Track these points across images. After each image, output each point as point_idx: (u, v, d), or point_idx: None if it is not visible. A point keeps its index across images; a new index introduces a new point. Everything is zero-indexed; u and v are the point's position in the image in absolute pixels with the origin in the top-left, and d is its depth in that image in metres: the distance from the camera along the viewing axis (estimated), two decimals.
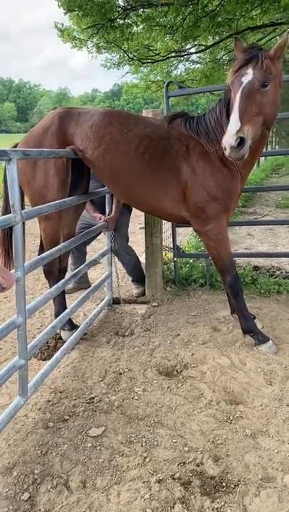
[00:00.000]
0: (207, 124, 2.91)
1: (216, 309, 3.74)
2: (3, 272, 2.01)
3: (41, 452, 2.14)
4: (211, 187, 2.92)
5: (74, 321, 3.48)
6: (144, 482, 1.93)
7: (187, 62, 15.01)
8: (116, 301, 4.06)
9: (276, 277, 4.25)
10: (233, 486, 1.89)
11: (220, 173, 2.92)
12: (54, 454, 2.12)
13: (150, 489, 1.88)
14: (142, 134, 3.00)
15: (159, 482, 1.92)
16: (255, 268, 4.53)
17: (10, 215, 2.20)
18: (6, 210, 3.11)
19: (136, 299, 4.09)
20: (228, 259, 3.05)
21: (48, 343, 3.27)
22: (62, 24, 10.69)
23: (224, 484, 1.91)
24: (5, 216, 2.25)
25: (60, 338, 3.34)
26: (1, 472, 2.03)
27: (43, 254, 2.72)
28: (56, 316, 3.32)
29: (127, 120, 3.07)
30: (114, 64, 13.55)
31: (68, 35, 10.37)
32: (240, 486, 1.89)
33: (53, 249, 2.88)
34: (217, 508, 1.78)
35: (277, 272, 4.44)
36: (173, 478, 1.94)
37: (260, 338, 3.01)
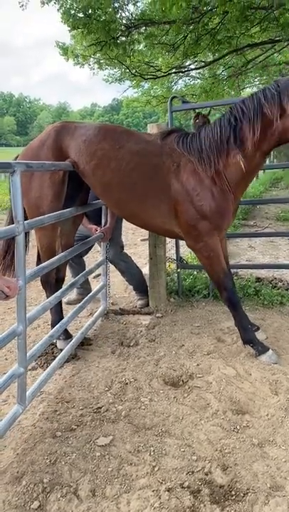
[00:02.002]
0: (202, 142, 2.91)
1: (219, 320, 3.77)
2: (7, 281, 2.06)
3: (50, 461, 2.14)
4: (200, 206, 2.91)
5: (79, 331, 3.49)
6: (153, 491, 1.93)
7: (187, 78, 15.32)
8: (118, 312, 4.08)
9: (278, 289, 4.29)
10: (242, 495, 1.90)
11: (210, 193, 2.90)
12: (63, 463, 2.13)
13: (160, 498, 1.89)
14: (134, 150, 3.00)
15: (168, 491, 1.92)
16: (258, 279, 4.56)
17: (13, 225, 2.23)
18: (11, 221, 3.17)
19: (140, 310, 4.12)
20: (223, 273, 3.05)
21: (50, 351, 3.30)
22: (64, 43, 10.91)
23: (233, 493, 1.92)
24: (8, 227, 2.28)
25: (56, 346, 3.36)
26: (10, 481, 2.04)
27: (44, 264, 2.77)
28: (53, 325, 3.34)
29: (120, 136, 3.08)
30: (116, 79, 13.81)
31: (72, 52, 10.58)
32: (249, 494, 1.90)
33: (53, 258, 2.93)
34: None
35: (280, 284, 4.47)
36: (182, 487, 1.95)
37: (260, 349, 3.03)
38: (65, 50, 10.91)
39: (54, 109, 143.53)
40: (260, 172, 17.28)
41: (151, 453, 2.18)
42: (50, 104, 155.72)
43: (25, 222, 2.35)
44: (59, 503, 1.89)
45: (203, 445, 2.23)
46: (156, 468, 2.07)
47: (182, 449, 2.20)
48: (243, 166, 2.81)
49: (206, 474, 2.03)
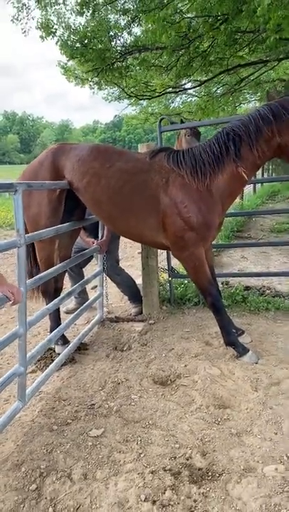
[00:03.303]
0: (196, 156, 3.14)
1: (208, 326, 3.99)
2: (12, 287, 2.32)
3: (47, 451, 2.37)
4: (188, 218, 3.10)
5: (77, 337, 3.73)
6: (138, 473, 2.16)
7: (184, 95, 15.78)
8: (113, 320, 4.33)
9: (266, 296, 4.53)
10: (217, 475, 2.12)
11: (198, 206, 3.10)
12: (58, 451, 2.36)
13: (144, 479, 2.12)
14: (123, 168, 3.23)
15: (152, 473, 2.15)
16: (247, 288, 4.80)
17: (15, 238, 2.51)
18: None
19: (134, 318, 4.36)
20: (207, 281, 3.28)
21: (48, 355, 3.54)
22: (66, 64, 11.39)
23: (210, 474, 2.14)
24: (10, 239, 2.57)
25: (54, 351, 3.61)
26: (11, 468, 2.27)
27: (42, 274, 3.06)
28: (51, 331, 3.59)
29: (111, 155, 3.32)
30: (115, 98, 14.30)
31: (71, 72, 11.05)
32: (224, 475, 2.12)
33: (51, 269, 3.21)
34: (203, 493, 2.01)
35: (268, 291, 4.71)
36: (164, 470, 2.17)
37: (241, 350, 3.26)
38: (66, 71, 11.37)
39: (57, 127, 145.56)
40: (258, 185, 17.59)
41: (139, 442, 2.40)
42: (53, 121, 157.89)
43: (26, 235, 2.63)
44: (54, 485, 2.13)
45: (186, 435, 2.45)
46: (142, 455, 2.30)
47: (166, 439, 2.42)
48: (245, 177, 3.10)
49: (187, 459, 2.25)
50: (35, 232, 2.93)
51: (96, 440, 2.44)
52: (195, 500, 1.98)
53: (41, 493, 2.09)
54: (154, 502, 1.98)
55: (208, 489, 2.04)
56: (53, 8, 9.34)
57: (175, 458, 2.26)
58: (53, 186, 3.26)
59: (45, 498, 2.06)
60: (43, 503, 2.04)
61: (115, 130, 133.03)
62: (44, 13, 9.43)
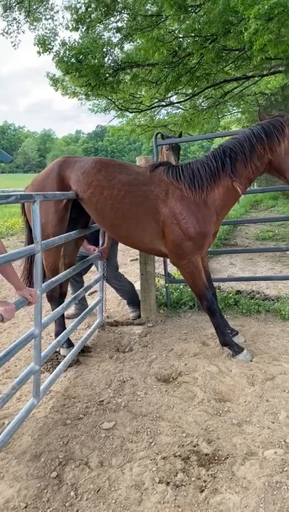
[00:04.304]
0: (194, 171, 3.38)
1: (204, 328, 4.22)
2: (29, 290, 2.51)
3: (63, 443, 2.55)
4: (186, 228, 3.34)
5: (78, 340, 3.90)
6: (151, 459, 2.36)
7: (169, 108, 16.18)
8: (113, 324, 4.52)
9: (256, 299, 4.79)
10: (223, 459, 2.34)
11: (195, 217, 3.34)
12: (74, 443, 2.53)
13: (157, 464, 2.31)
14: (125, 180, 3.46)
15: (163, 459, 2.35)
16: (238, 292, 5.07)
17: (33, 245, 2.71)
18: (29, 242, 3.68)
19: (133, 321, 4.56)
20: (203, 286, 3.52)
21: (54, 357, 3.71)
22: (54, 75, 11.60)
23: (216, 458, 2.35)
24: (29, 246, 2.77)
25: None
26: (30, 459, 2.43)
27: (54, 278, 3.25)
28: (57, 335, 3.77)
29: (113, 168, 3.54)
30: (101, 109, 14.59)
31: (60, 83, 11.26)
32: (229, 458, 2.33)
33: (60, 274, 3.41)
34: (211, 474, 2.22)
35: (257, 295, 4.98)
36: (175, 456, 2.38)
37: (236, 350, 3.50)
38: (55, 82, 11.55)
39: (39, 136, 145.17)
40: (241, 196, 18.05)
41: (148, 433, 2.60)
42: (35, 131, 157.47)
43: (42, 242, 2.82)
44: (74, 472, 2.30)
45: (191, 426, 2.66)
46: (152, 444, 2.50)
47: (174, 429, 2.62)
48: (239, 191, 3.36)
49: (194, 446, 2.46)
50: (50, 239, 3.11)
51: (108, 432, 2.63)
52: (205, 481, 2.19)
53: (62, 480, 2.27)
54: (168, 483, 2.18)
55: (215, 471, 2.25)
56: (41, 23, 9.63)
57: (183, 445, 2.47)
58: (63, 197, 3.46)
59: (66, 483, 2.23)
60: (64, 488, 2.21)
61: (98, 140, 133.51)
62: (32, 27, 9.70)
